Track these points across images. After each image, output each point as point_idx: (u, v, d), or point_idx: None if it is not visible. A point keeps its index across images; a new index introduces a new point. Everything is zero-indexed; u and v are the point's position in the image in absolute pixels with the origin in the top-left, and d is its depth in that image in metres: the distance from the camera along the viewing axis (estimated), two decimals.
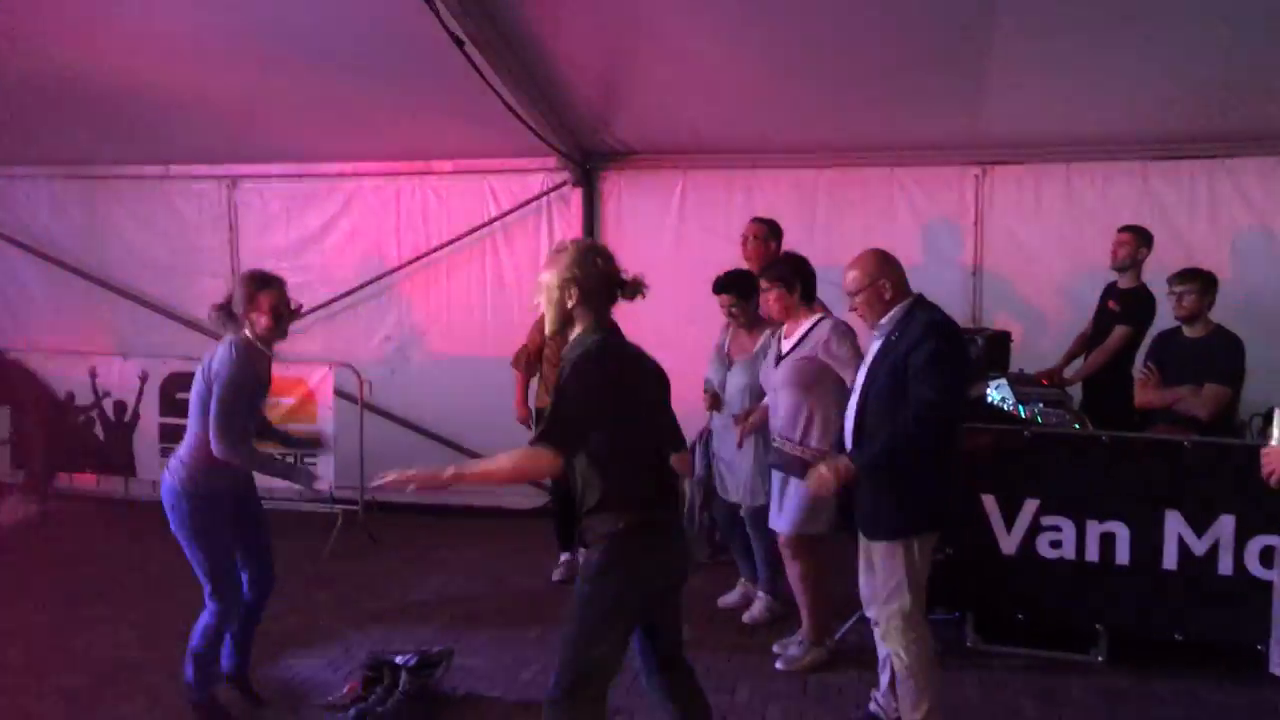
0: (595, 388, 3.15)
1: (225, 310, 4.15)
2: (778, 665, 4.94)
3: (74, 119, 7.33)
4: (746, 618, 5.51)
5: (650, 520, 3.27)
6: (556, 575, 6.21)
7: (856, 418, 3.98)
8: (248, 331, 4.15)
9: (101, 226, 8.31)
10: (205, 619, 4.18)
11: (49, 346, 8.09)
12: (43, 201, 8.40)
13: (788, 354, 4.91)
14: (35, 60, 6.41)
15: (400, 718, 4.27)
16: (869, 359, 4.06)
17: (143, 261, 8.21)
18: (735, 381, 5.42)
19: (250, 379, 4.12)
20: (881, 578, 3.96)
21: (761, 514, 5.41)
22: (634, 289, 3.33)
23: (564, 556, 6.25)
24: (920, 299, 4.01)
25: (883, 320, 3.98)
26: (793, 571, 4.97)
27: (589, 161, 7.45)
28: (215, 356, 4.09)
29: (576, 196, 7.50)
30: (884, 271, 3.98)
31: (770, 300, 4.97)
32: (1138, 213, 6.41)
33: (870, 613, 4.20)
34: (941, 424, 3.80)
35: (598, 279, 3.25)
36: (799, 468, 4.68)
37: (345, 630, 5.44)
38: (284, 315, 4.22)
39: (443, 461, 7.39)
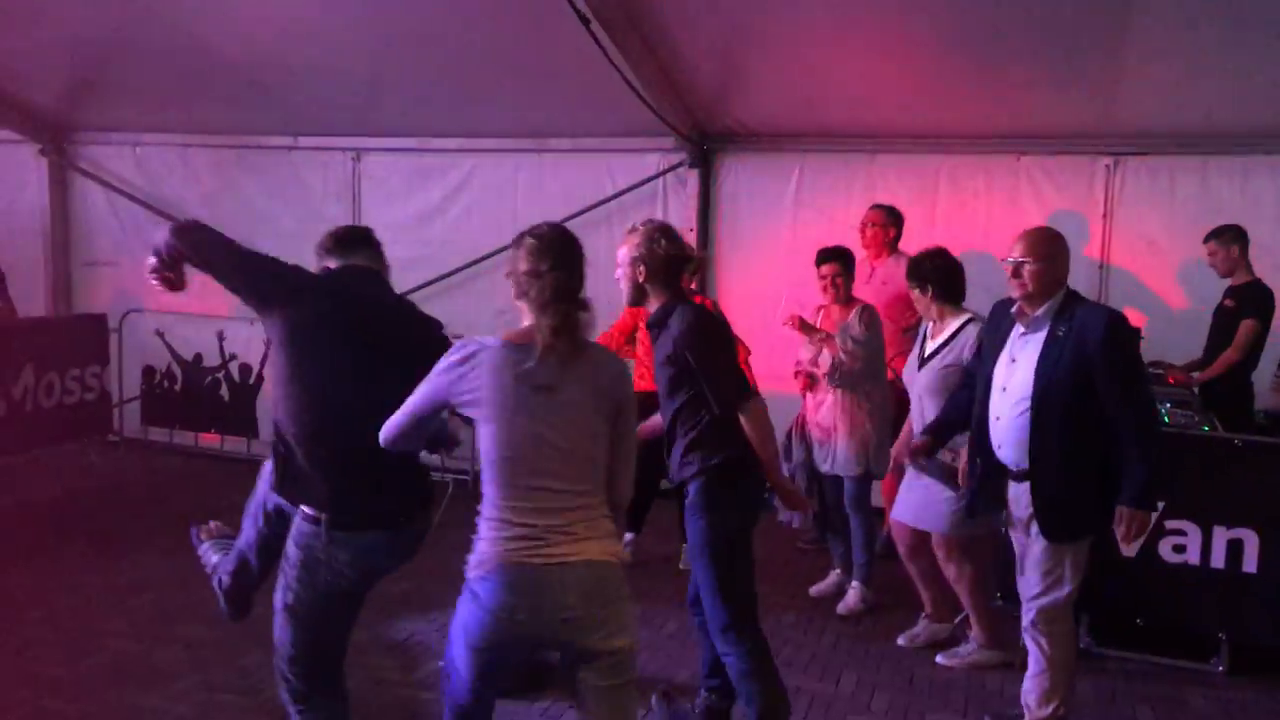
0: (721, 339, 3.80)
1: None
2: (939, 659, 4.83)
3: (208, 90, 7.61)
4: (841, 608, 5.45)
5: (743, 457, 3.75)
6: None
7: (1033, 418, 3.76)
8: None
9: (231, 194, 8.58)
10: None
11: (179, 308, 8.41)
12: (176, 169, 8.73)
13: (930, 357, 4.80)
14: (172, 33, 6.67)
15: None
16: (1026, 352, 3.83)
17: (269, 230, 8.37)
18: (828, 359, 5.39)
19: None
20: (1040, 572, 3.85)
21: (862, 488, 5.37)
22: (696, 266, 4.03)
23: (628, 536, 6.20)
24: (1073, 291, 3.86)
25: (1040, 309, 3.79)
26: (949, 572, 4.83)
27: (706, 142, 7.43)
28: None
29: (693, 178, 7.48)
30: (1061, 250, 3.83)
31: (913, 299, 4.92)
32: (1278, 209, 6.15)
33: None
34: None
35: (662, 258, 3.67)
36: (950, 475, 4.56)
37: (453, 597, 5.53)
38: None
39: None
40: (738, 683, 3.78)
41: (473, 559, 2.81)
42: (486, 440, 2.73)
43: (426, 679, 4.54)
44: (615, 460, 2.86)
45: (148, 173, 8.79)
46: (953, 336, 4.74)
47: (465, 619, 2.82)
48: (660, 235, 3.68)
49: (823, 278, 5.45)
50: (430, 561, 6.05)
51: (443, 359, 2.82)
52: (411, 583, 5.69)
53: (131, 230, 8.81)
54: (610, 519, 2.85)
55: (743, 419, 3.71)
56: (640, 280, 3.69)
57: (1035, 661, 3.94)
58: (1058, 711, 3.89)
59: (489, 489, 2.77)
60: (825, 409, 5.47)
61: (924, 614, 5.15)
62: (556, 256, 2.80)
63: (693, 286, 6.33)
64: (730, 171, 7.50)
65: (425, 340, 3.18)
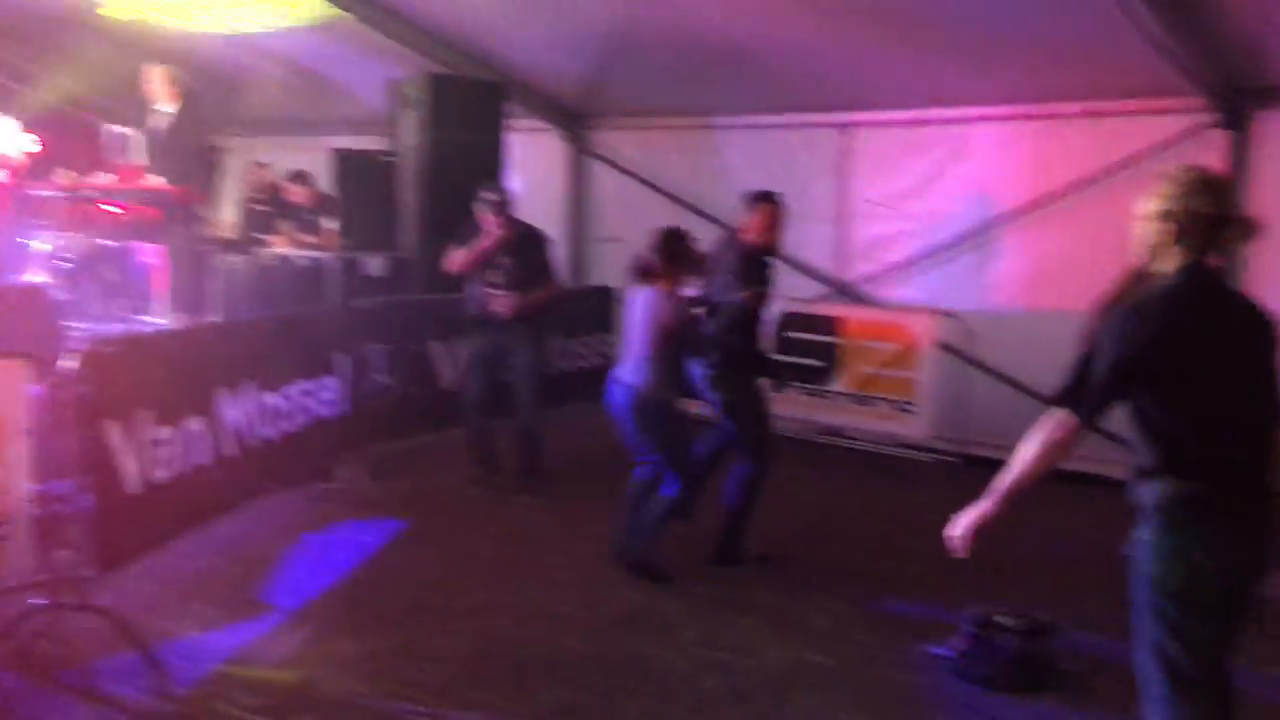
0: (1135, 344, 2.81)
1: None
2: None
3: (703, 74, 8.02)
4: None
5: (1209, 494, 2.81)
6: None
7: None
8: None
9: (722, 173, 8.95)
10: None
11: None
12: (675, 149, 9.27)
13: None
14: (672, 22, 7.08)
15: (1005, 681, 4.18)
16: None
17: None
18: None
19: None
20: None
21: None
22: (1244, 231, 2.91)
23: None
24: None
25: None
26: None
27: (1241, 99, 6.58)
28: None
29: (1223, 141, 6.65)
30: None
31: None
32: None
33: None
34: None
35: (1199, 218, 2.86)
36: None
37: (937, 579, 5.39)
38: None
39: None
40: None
41: None
42: None
43: (914, 660, 4.49)
44: None
45: (650, 155, 9.41)
46: None
47: None
48: (1204, 187, 2.90)
49: None
50: (917, 541, 6.00)
51: None
52: (896, 563, 5.66)
53: (640, 209, 9.48)
54: None
55: (1040, 425, 2.96)
56: (1169, 239, 2.89)
57: None
58: None
59: None
60: None
61: None
62: None
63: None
64: (1272, 133, 6.59)
65: None
